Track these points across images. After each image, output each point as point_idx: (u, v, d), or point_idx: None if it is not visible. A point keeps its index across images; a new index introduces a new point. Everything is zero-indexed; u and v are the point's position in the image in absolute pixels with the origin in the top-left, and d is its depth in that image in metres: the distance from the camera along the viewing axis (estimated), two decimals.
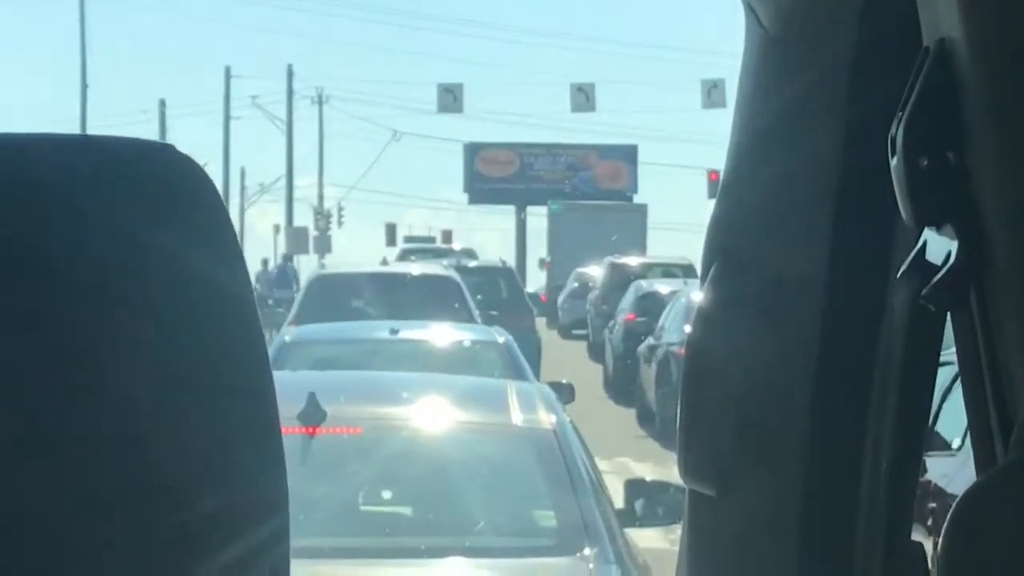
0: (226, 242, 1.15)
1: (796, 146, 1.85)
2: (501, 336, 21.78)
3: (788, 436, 1.90)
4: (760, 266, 1.94)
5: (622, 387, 39.02)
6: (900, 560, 1.73)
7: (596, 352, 49.16)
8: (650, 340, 37.38)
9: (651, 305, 41.47)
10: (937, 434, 14.17)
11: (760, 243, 1.94)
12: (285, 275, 62.18)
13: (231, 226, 1.15)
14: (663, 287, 40.91)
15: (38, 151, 1.21)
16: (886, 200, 1.21)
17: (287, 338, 22.04)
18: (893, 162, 1.15)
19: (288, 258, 69.41)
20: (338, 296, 31.53)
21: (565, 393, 19.84)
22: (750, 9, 1.92)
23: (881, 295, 1.74)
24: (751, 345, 1.95)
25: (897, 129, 1.15)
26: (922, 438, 1.78)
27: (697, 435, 2.06)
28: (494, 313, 35.52)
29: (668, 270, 47.22)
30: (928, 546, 1.51)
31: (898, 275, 1.22)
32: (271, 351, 19.08)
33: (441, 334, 21.91)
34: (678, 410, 2.06)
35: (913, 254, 1.19)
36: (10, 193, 1.18)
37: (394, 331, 21.01)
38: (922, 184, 1.13)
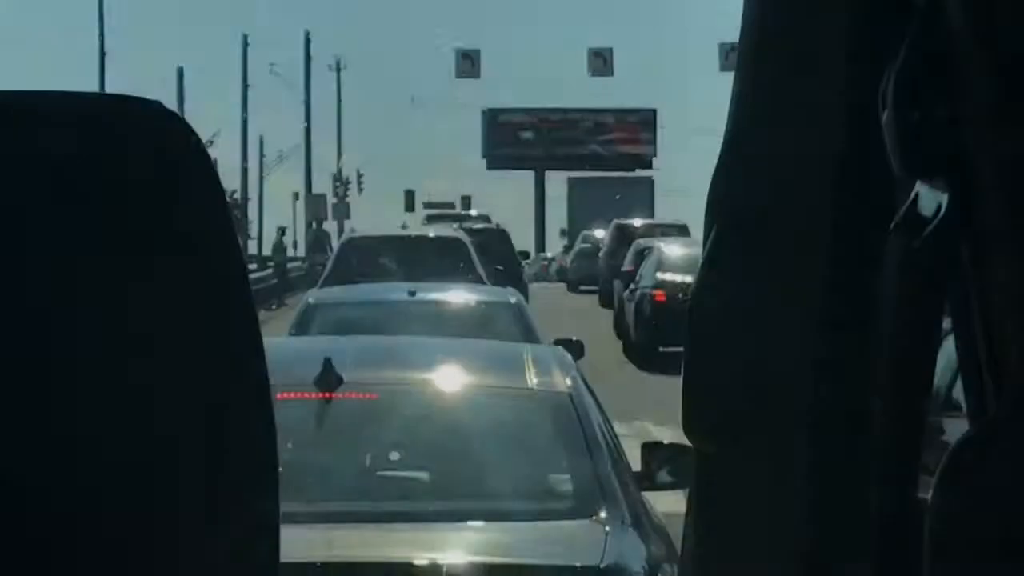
0: (211, 195, 1.15)
1: (799, 105, 1.85)
2: (514, 297, 22.24)
3: (793, 393, 1.90)
4: (762, 226, 1.94)
5: (643, 340, 40.05)
6: (906, 517, 1.73)
7: (606, 299, 51.87)
8: (631, 286, 40.44)
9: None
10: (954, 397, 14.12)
11: (761, 207, 1.94)
12: (319, 241, 63.18)
13: (217, 181, 1.15)
14: (663, 246, 42.43)
15: (27, 108, 1.21)
16: (885, 156, 1.21)
17: (311, 300, 22.59)
18: (884, 116, 1.15)
19: (320, 224, 69.99)
20: (366, 256, 33.68)
21: (575, 350, 19.78)
22: None
23: (881, 251, 1.75)
24: (754, 305, 1.95)
25: (888, 83, 1.14)
26: (926, 393, 1.78)
27: (702, 394, 2.05)
28: (500, 268, 38.44)
29: (665, 231, 49.20)
30: None
31: (891, 227, 1.21)
32: (296, 312, 21.64)
33: (457, 295, 22.37)
34: (682, 369, 2.06)
35: (905, 207, 1.18)
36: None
37: (412, 293, 21.48)
38: (913, 137, 1.12)
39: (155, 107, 1.16)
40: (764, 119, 1.94)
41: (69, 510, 1.14)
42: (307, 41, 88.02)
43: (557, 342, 19.08)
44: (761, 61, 1.95)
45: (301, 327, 20.40)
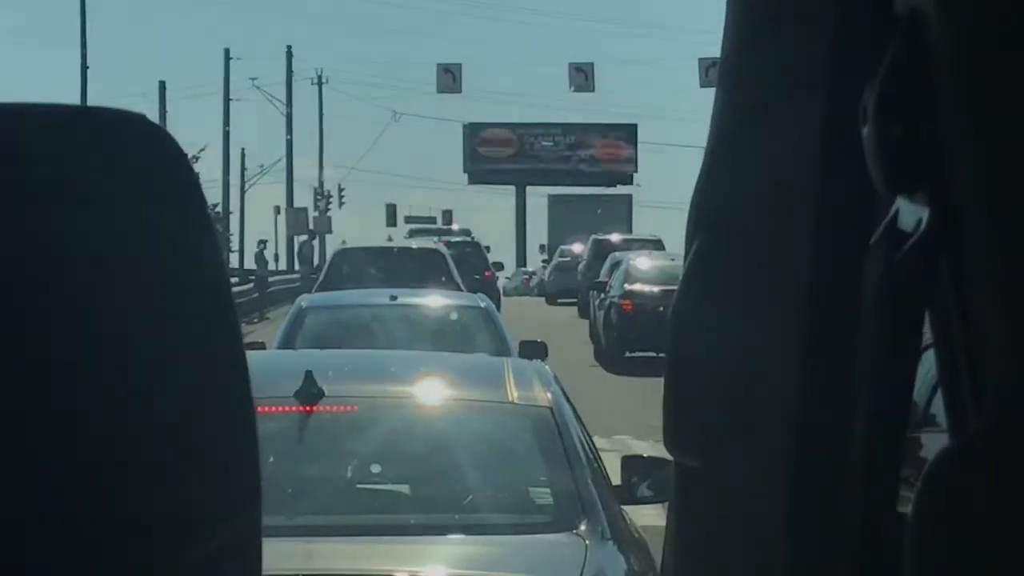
0: (194, 207, 1.15)
1: (780, 124, 1.86)
2: (483, 302, 23.67)
3: (774, 408, 1.90)
4: (743, 242, 1.94)
5: (613, 346, 40.96)
6: (885, 531, 1.74)
7: (584, 310, 52.49)
8: (602, 295, 42.14)
9: None
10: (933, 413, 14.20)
11: (744, 219, 1.94)
12: (303, 253, 64.98)
13: (200, 192, 1.15)
14: (633, 259, 43.27)
15: (13, 119, 1.21)
16: (865, 172, 1.21)
17: (303, 304, 23.85)
18: (865, 131, 1.15)
19: (312, 237, 71.36)
20: (355, 265, 36.50)
21: (540, 351, 22.29)
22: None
23: (860, 266, 1.75)
24: (735, 319, 1.95)
25: (869, 98, 1.15)
26: (906, 408, 1.78)
27: (683, 407, 2.06)
28: (477, 277, 42.61)
29: (641, 244, 50.00)
30: None
31: (871, 242, 1.22)
32: (289, 316, 23.12)
33: (433, 299, 24.29)
34: (664, 383, 2.06)
35: (886, 222, 1.19)
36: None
37: (393, 297, 23.10)
38: (894, 152, 1.13)
39: (138, 119, 1.16)
40: (745, 134, 1.94)
41: (44, 511, 1.13)
42: (289, 56, 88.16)
43: (523, 343, 23.09)
44: (742, 77, 1.95)
45: (293, 327, 21.77)
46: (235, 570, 1.16)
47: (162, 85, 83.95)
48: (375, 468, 7.86)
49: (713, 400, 2.01)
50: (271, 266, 68.20)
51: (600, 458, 8.04)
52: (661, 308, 34.14)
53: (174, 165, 1.15)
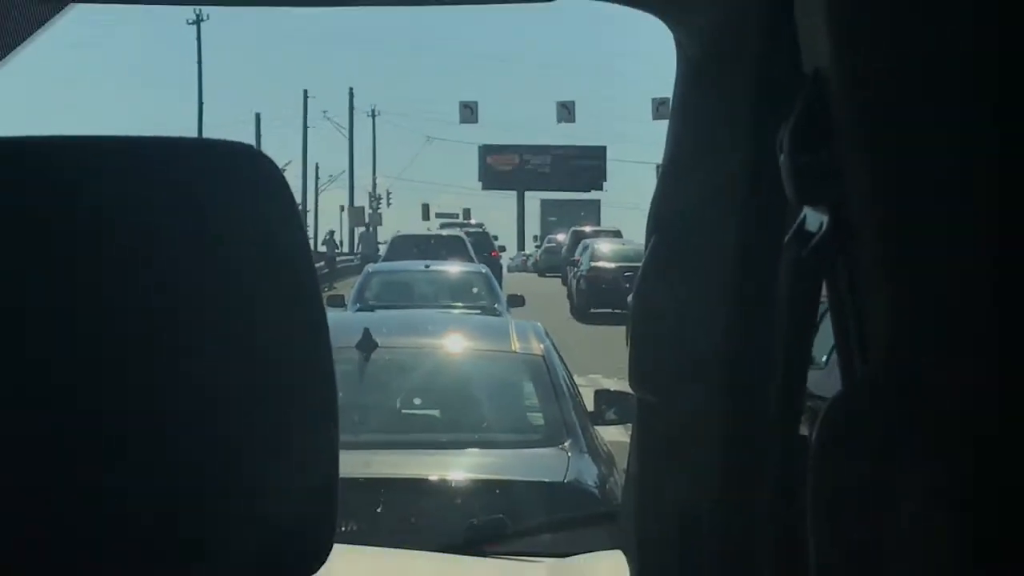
0: (289, 210, 1.15)
1: (713, 150, 1.85)
2: (484, 269, 26.86)
3: (712, 359, 1.89)
4: (687, 237, 1.93)
5: (580, 306, 41.11)
6: (790, 449, 1.72)
7: (564, 281, 52.02)
8: (575, 270, 42.66)
9: None
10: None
11: (687, 221, 1.93)
12: (366, 239, 65.75)
13: (293, 200, 1.15)
14: (598, 243, 43.62)
15: (161, 150, 1.20)
16: (780, 187, 1.21)
17: (369, 270, 26.61)
18: (781, 158, 1.15)
19: (373, 228, 71.87)
20: (405, 245, 38.84)
21: (519, 301, 26.41)
22: (679, 44, 1.91)
23: (776, 257, 1.75)
24: (682, 292, 1.94)
25: (784, 134, 1.14)
26: (807, 358, 1.78)
27: (643, 358, 2.05)
28: (486, 255, 42.90)
29: (605, 234, 50.76)
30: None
31: (785, 240, 1.21)
32: (361, 277, 25.46)
33: (451, 267, 26.86)
34: (628, 337, 2.07)
35: (795, 225, 1.18)
36: (139, 180, 1.16)
37: (427, 266, 26.22)
38: (802, 174, 1.12)
39: (249, 148, 1.16)
40: (690, 158, 1.93)
41: (181, 425, 1.13)
42: (351, 96, 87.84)
43: (509, 296, 26.10)
44: (688, 115, 1.94)
45: (363, 285, 23.78)
46: (320, 474, 1.16)
47: (257, 117, 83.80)
48: (415, 400, 7.91)
49: (666, 353, 2.00)
50: (338, 250, 68.34)
51: (578, 391, 8.09)
52: (615, 278, 35.00)
53: (274, 182, 1.15)
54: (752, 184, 1.76)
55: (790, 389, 1.61)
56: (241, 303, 1.15)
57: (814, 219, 1.14)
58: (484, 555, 2.60)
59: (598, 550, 2.41)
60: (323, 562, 1.15)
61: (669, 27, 1.90)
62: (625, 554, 2.23)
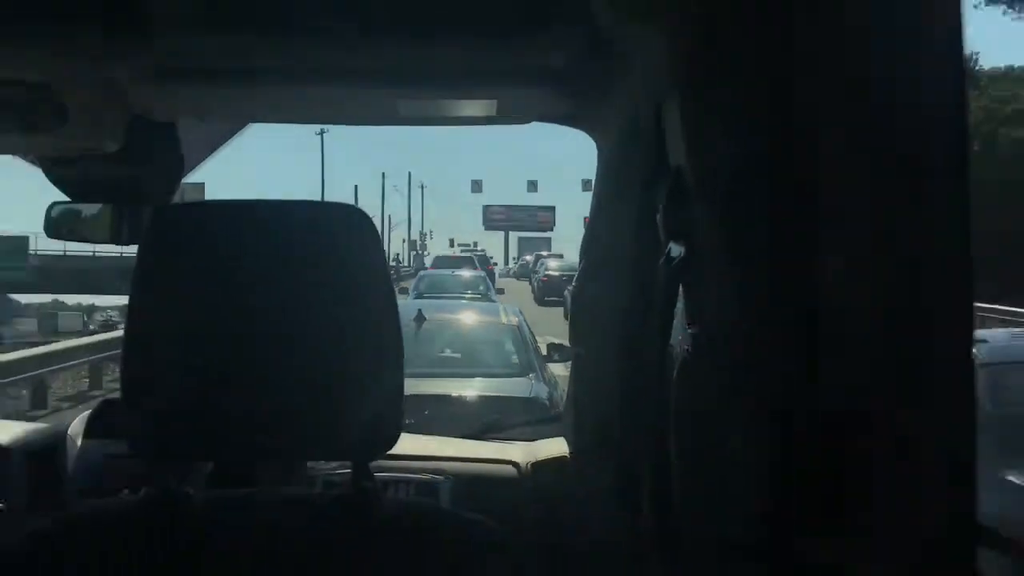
0: (379, 253, 1.14)
1: (616, 208, 1.82)
2: (483, 274, 27.68)
3: (615, 327, 1.87)
4: (604, 257, 1.91)
5: (539, 296, 40.57)
6: (662, 380, 1.70)
7: (530, 283, 50.76)
8: (536, 276, 40.98)
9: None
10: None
11: (604, 249, 1.91)
12: (417, 260, 65.47)
13: (381, 244, 1.14)
14: (549, 261, 43.35)
15: (304, 207, 1.18)
16: (656, 230, 1.19)
17: (422, 274, 27.29)
18: (658, 216, 1.13)
19: (421, 256, 71.64)
20: (441, 261, 37.87)
21: (501, 291, 27.95)
22: (599, 147, 1.89)
23: (654, 269, 1.73)
24: (599, 292, 1.91)
25: (660, 201, 1.12)
26: (668, 332, 1.75)
27: (576, 326, 2.03)
28: (486, 268, 40.80)
29: (553, 256, 49.36)
30: None
31: (660, 261, 1.19)
32: (416, 278, 26.37)
33: (468, 273, 26.79)
34: (567, 314, 2.06)
35: (666, 252, 1.16)
36: (290, 226, 1.14)
37: (453, 272, 26.57)
38: (669, 224, 1.11)
39: (354, 207, 1.14)
40: (605, 213, 1.91)
41: (319, 363, 1.11)
42: (409, 177, 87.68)
43: (497, 289, 27.23)
44: (602, 188, 1.92)
45: (419, 282, 24.08)
46: (392, 392, 1.14)
47: (356, 188, 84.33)
48: (446, 350, 7.98)
49: (587, 323, 1.98)
50: (402, 264, 68.15)
51: (537, 344, 8.20)
52: (558, 281, 34.93)
53: (369, 227, 1.13)
54: (640, 228, 1.75)
55: (664, 345, 1.58)
56: (354, 296, 1.11)
57: (676, 248, 1.12)
58: (485, 440, 2.57)
59: (551, 438, 2.38)
60: (393, 444, 1.13)
61: (592, 137, 1.88)
62: (566, 440, 2.22)
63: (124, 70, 1.51)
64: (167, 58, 1.46)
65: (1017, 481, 4.22)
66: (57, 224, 2.08)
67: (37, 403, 13.82)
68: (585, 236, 1.97)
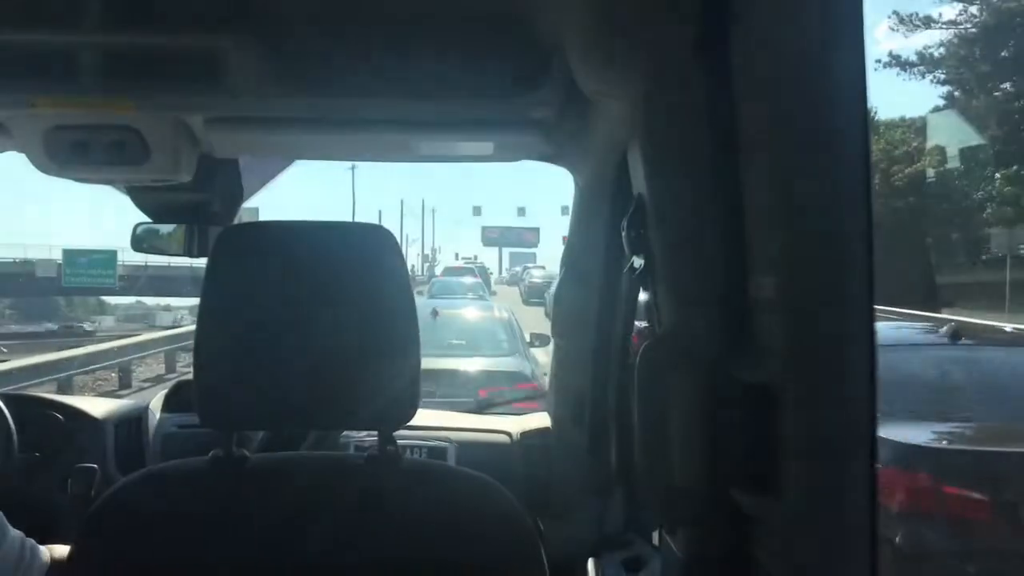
0: (402, 264, 1.12)
1: (589, 229, 1.82)
2: (479, 278, 28.01)
3: (588, 323, 1.86)
4: (580, 268, 1.90)
5: (525, 298, 40.08)
6: (625, 366, 1.69)
7: (520, 288, 50.17)
8: (523, 283, 39.64)
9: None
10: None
11: (579, 261, 1.90)
12: (431, 269, 64.75)
13: (402, 257, 1.12)
14: (533, 271, 42.75)
15: (341, 227, 1.16)
16: (622, 247, 1.19)
17: (434, 280, 27.70)
18: (623, 234, 1.13)
19: (432, 267, 70.81)
20: (449, 271, 37.23)
21: (494, 294, 28.01)
22: (575, 180, 1.89)
23: (619, 279, 1.72)
24: (575, 293, 1.91)
25: (624, 223, 1.12)
26: (631, 327, 1.75)
27: (556, 321, 2.02)
28: (484, 275, 40.79)
29: (537, 267, 48.43)
30: None
31: (624, 270, 1.19)
32: (431, 282, 26.85)
33: (470, 278, 27.37)
34: (551, 312, 2.06)
35: (629, 264, 1.16)
36: (331, 241, 1.13)
37: (458, 280, 26.63)
38: (632, 241, 1.10)
39: (383, 228, 1.13)
40: (579, 233, 1.91)
41: (353, 347, 1.10)
42: (423, 203, 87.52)
43: (492, 293, 26.79)
44: (578, 213, 1.92)
45: (433, 285, 24.57)
46: (410, 370, 1.12)
47: (379, 212, 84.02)
48: (454, 337, 8.00)
49: (566, 318, 1.98)
50: (416, 275, 67.81)
51: (523, 333, 8.22)
52: (540, 286, 34.34)
53: (393, 243, 1.12)
54: (608, 245, 1.75)
55: (625, 339, 1.58)
56: (380, 298, 1.10)
57: (638, 261, 1.12)
58: (483, 414, 2.56)
59: (536, 413, 2.37)
60: (412, 417, 1.12)
61: (571, 172, 1.88)
62: (548, 414, 2.22)
63: (197, 118, 1.51)
64: (231, 108, 1.47)
65: (883, 435, 4.22)
66: (140, 240, 2.08)
67: (124, 384, 13.77)
68: (564, 251, 1.96)
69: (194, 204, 1.91)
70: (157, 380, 14.43)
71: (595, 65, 1.13)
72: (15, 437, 2.03)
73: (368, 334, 1.09)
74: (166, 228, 2.05)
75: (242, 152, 1.75)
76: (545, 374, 7.97)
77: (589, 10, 1.09)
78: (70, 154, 1.51)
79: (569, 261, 1.92)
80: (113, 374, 13.98)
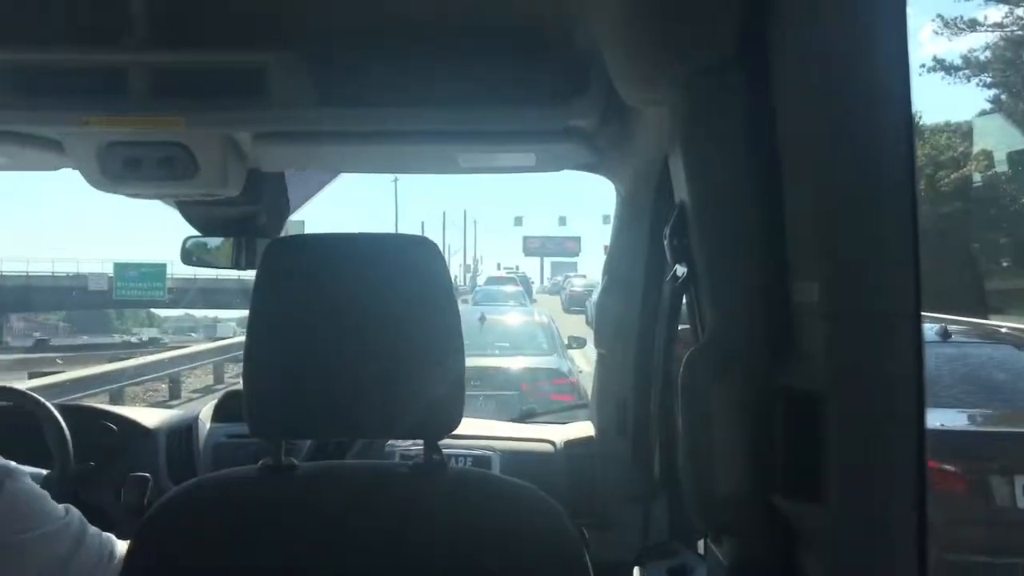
0: (445, 274, 1.12)
1: (631, 237, 1.82)
2: (524, 288, 28.01)
3: (631, 332, 1.85)
4: (622, 276, 1.89)
5: (566, 307, 39.80)
6: (668, 374, 1.69)
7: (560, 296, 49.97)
8: (565, 291, 38.83)
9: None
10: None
11: (622, 269, 1.90)
12: (474, 279, 64.62)
13: (446, 267, 1.12)
14: (574, 279, 42.45)
15: (387, 238, 1.16)
16: (664, 255, 1.18)
17: (477, 289, 27.88)
18: (665, 242, 1.12)
19: (474, 277, 70.68)
20: (491, 280, 37.80)
21: (535, 301, 27.10)
22: (616, 188, 1.89)
23: (661, 287, 1.71)
24: (617, 302, 1.90)
25: (667, 231, 1.12)
26: (674, 334, 1.74)
27: (599, 330, 2.01)
28: (524, 285, 39.72)
29: (578, 276, 47.76)
30: None
31: (666, 279, 1.19)
32: (474, 292, 26.54)
33: (510, 288, 27.17)
34: (592, 320, 2.06)
35: (671, 272, 1.15)
36: (378, 252, 1.13)
37: (499, 288, 26.95)
38: (675, 250, 1.10)
39: (428, 239, 1.13)
40: (622, 242, 1.90)
41: (402, 355, 1.09)
42: (464, 214, 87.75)
43: (533, 301, 27.23)
44: (620, 222, 1.91)
45: (476, 295, 24.50)
46: (455, 376, 1.11)
47: (422, 224, 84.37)
48: (501, 342, 8.29)
49: (609, 327, 1.97)
50: (459, 284, 67.76)
51: (561, 336, 8.51)
52: (581, 294, 33.76)
53: (437, 254, 1.11)
54: (650, 253, 1.74)
55: (668, 347, 1.57)
56: (425, 308, 1.10)
57: (680, 269, 1.12)
58: (526, 422, 2.56)
59: (580, 422, 2.36)
60: (457, 426, 1.12)
61: (612, 181, 1.87)
62: (592, 423, 2.21)
63: (245, 133, 1.53)
64: (277, 124, 1.49)
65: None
66: (189, 254, 2.10)
67: (173, 395, 13.95)
68: (606, 260, 1.96)
69: (241, 217, 1.94)
70: (206, 391, 14.60)
71: (636, 73, 1.13)
72: (71, 447, 2.06)
73: (413, 344, 1.09)
74: (214, 241, 2.08)
75: (289, 166, 1.77)
76: (581, 372, 8.40)
77: (630, 18, 1.08)
78: (122, 170, 1.54)
79: (611, 270, 1.92)
80: (163, 385, 14.17)
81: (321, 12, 1.34)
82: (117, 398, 11.72)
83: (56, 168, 1.69)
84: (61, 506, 1.13)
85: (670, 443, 1.49)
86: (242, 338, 1.11)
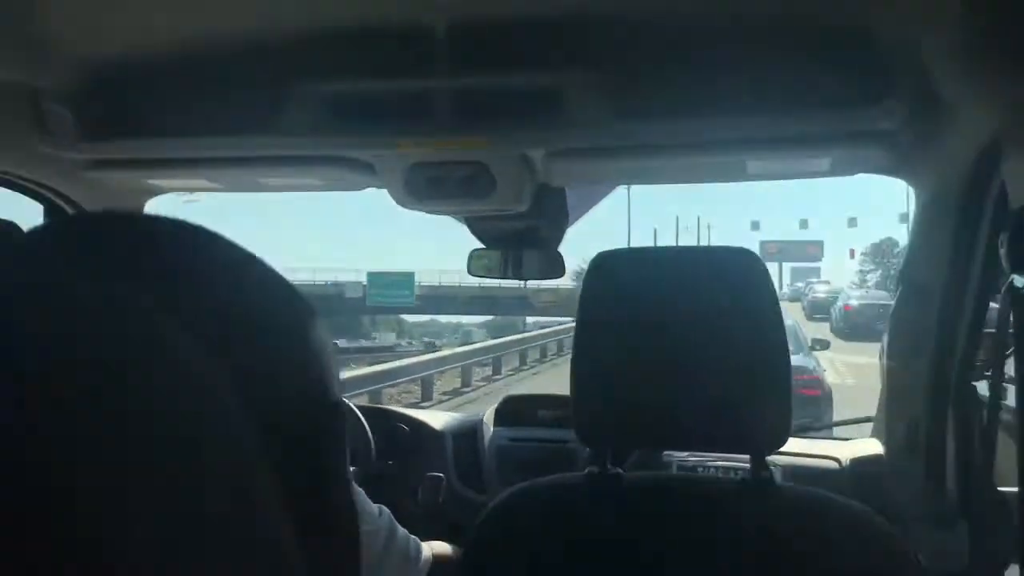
0: (769, 286, 1.07)
1: (933, 243, 1.70)
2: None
3: (927, 343, 1.70)
4: (919, 286, 1.78)
5: (808, 314, 36.91)
6: (965, 396, 1.56)
7: (802, 304, 46.89)
8: (805, 298, 35.88)
9: None
10: None
11: (919, 280, 1.78)
12: None
13: (770, 279, 1.07)
14: (817, 286, 39.31)
15: (700, 253, 1.13)
16: (984, 264, 1.09)
17: None
18: (1001, 250, 1.03)
19: None
20: None
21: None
22: (916, 193, 1.78)
23: (983, 301, 1.58)
24: (914, 312, 1.79)
25: (1003, 239, 1.03)
26: (977, 346, 1.61)
27: (892, 341, 1.88)
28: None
29: (823, 282, 43.78)
30: None
31: (1003, 288, 1.09)
32: None
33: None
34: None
35: (1008, 281, 1.07)
36: (692, 270, 1.10)
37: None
38: (1014, 257, 1.01)
39: (751, 252, 1.09)
40: (920, 247, 1.78)
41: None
42: (698, 220, 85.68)
43: None
44: (920, 228, 1.79)
45: None
46: (782, 403, 1.06)
47: (655, 231, 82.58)
48: None
49: (903, 339, 1.85)
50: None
51: (806, 338, 9.15)
52: (825, 302, 30.57)
53: (762, 268, 1.08)
54: (953, 260, 1.62)
55: (967, 360, 1.44)
56: (752, 320, 1.06)
57: (1020, 280, 1.03)
58: (801, 437, 2.47)
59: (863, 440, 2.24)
60: (784, 443, 1.08)
61: (911, 184, 1.76)
62: (879, 440, 2.10)
63: (539, 151, 1.58)
64: (570, 140, 1.52)
65: None
66: (475, 265, 2.19)
67: (425, 396, 14.59)
68: (903, 267, 1.84)
69: (523, 230, 2.00)
70: (454, 393, 15.21)
71: (960, 71, 1.06)
72: (373, 445, 2.21)
73: (740, 357, 1.07)
74: (495, 253, 2.15)
75: (576, 180, 1.80)
76: (825, 370, 8.36)
77: (952, 14, 1.02)
78: (427, 189, 1.63)
79: (908, 278, 1.81)
80: (415, 387, 14.88)
81: (616, 27, 1.35)
82: (375, 400, 12.40)
83: (365, 187, 1.82)
84: (375, 506, 1.19)
85: (968, 463, 1.37)
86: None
